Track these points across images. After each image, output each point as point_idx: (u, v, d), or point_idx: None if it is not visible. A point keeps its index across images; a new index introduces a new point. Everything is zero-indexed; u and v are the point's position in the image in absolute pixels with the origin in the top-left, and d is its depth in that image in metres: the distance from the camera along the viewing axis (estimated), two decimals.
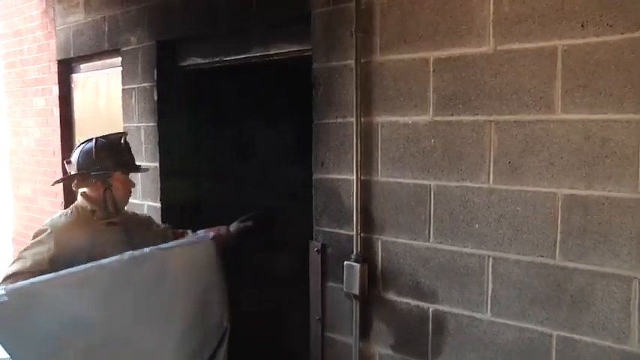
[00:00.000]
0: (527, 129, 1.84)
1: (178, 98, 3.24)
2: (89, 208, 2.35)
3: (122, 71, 3.44)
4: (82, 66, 4.07)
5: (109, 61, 3.70)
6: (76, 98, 4.15)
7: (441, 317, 2.06)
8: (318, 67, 2.38)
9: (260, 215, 2.68)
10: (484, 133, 1.93)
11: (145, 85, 3.27)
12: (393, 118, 2.16)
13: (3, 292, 1.83)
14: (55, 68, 4.20)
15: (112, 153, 2.36)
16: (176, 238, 2.55)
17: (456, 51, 1.98)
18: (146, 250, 2.08)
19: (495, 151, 1.91)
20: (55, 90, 4.22)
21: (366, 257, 2.25)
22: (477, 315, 1.98)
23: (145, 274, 2.02)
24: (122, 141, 2.43)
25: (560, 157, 1.78)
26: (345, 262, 2.28)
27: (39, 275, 2.05)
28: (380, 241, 2.23)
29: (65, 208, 4.11)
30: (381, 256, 2.23)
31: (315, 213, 2.44)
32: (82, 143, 2.41)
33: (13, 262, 2.16)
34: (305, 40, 2.47)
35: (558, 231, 1.79)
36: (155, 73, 3.18)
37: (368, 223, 2.25)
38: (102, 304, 1.96)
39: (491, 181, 1.93)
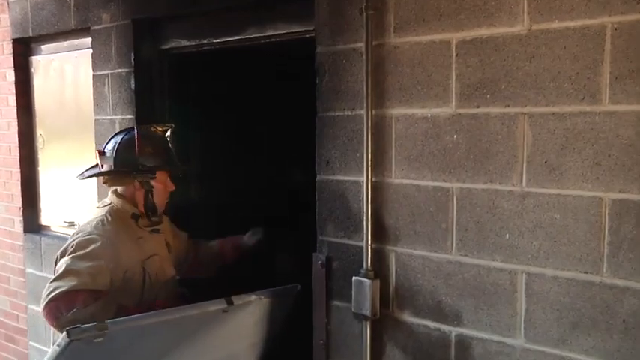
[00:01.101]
0: (568, 122, 1.81)
1: (160, 87, 3.21)
2: (130, 212, 2.26)
3: (93, 54, 3.41)
4: (43, 47, 4.02)
5: (76, 41, 3.67)
6: (36, 85, 4.10)
7: (466, 343, 2.04)
8: (323, 51, 2.36)
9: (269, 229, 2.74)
10: (516, 127, 1.91)
11: (120, 70, 3.24)
12: (410, 111, 2.15)
13: (107, 329, 1.80)
14: (9, 49, 4.13)
15: (158, 149, 2.28)
16: (194, 249, 2.62)
17: (484, 32, 1.96)
18: (243, 296, 2.13)
19: (529, 148, 1.89)
20: (11, 75, 4.16)
21: (378, 272, 2.24)
22: (509, 341, 1.95)
23: (237, 319, 2.11)
24: (168, 135, 2.34)
25: (607, 155, 1.76)
26: (354, 278, 2.26)
27: (101, 294, 2.03)
28: (394, 253, 2.21)
29: (25, 213, 4.14)
30: (396, 271, 2.21)
31: (319, 220, 2.42)
32: (119, 133, 2.32)
33: (64, 276, 2.05)
34: (307, 19, 2.45)
35: (605, 242, 1.76)
36: (132, 56, 3.16)
37: (380, 232, 2.23)
38: (185, 345, 2.04)
39: (524, 184, 1.91)
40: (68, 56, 3.80)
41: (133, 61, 3.17)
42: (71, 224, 3.79)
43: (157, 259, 2.27)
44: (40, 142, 4.11)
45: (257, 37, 2.74)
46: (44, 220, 4.14)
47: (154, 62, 3.19)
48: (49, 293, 2.03)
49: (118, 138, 2.30)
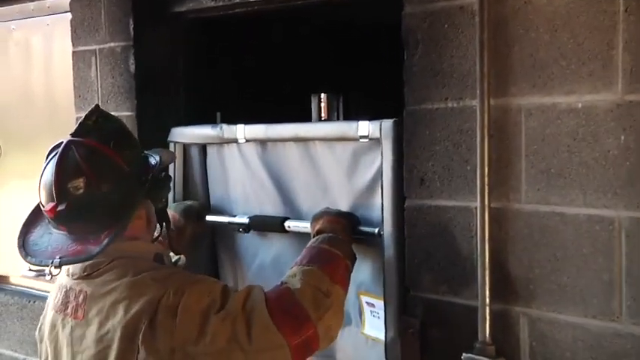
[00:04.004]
0: None
1: (173, 69, 3.29)
2: (152, 253, 2.32)
3: (72, 21, 3.51)
4: None
5: (48, 2, 3.78)
6: None
7: None
8: (414, 11, 2.39)
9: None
10: None
11: (113, 45, 3.33)
12: (549, 100, 2.14)
13: None
14: None
15: (133, 140, 2.33)
16: None
17: None
18: None
19: None
20: None
21: (503, 347, 2.23)
22: None
23: None
24: (114, 119, 2.35)
25: None
26: (465, 355, 2.26)
27: None
28: (527, 319, 2.20)
29: None
30: (530, 346, 2.19)
31: (409, 266, 2.44)
32: (51, 156, 2.19)
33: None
34: None
35: None
36: (131, 24, 3.24)
37: (504, 285, 2.23)
38: None
39: None
40: (36, 24, 3.90)
41: (132, 30, 3.24)
42: (40, 273, 3.86)
43: None
44: None
45: None
46: (0, 267, 4.26)
47: (163, 32, 3.27)
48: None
49: (55, 165, 2.15)
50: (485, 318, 2.23)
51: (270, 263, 2.95)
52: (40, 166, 2.20)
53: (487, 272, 2.22)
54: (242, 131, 2.92)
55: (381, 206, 2.51)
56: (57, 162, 2.14)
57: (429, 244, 2.39)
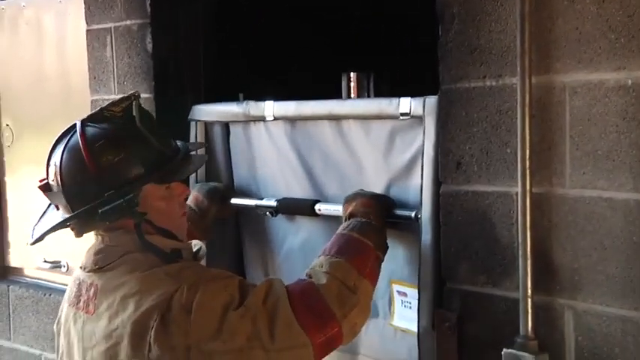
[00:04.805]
0: None
1: (195, 50, 3.30)
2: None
3: None
4: None
5: None
6: None
7: None
8: None
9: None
10: None
11: (129, 23, 3.35)
12: (596, 77, 2.12)
13: None
14: None
15: (127, 147, 2.26)
16: None
17: None
18: None
19: None
20: None
21: (546, 341, 2.22)
22: None
23: None
24: (136, 113, 2.29)
25: None
26: (505, 351, 2.25)
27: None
28: (572, 312, 2.19)
29: None
30: (576, 340, 2.19)
31: (445, 256, 2.44)
32: (60, 139, 2.29)
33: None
34: None
35: None
36: (148, 0, 3.25)
37: (547, 276, 2.22)
38: None
39: None
40: (48, 1, 3.94)
41: (149, 7, 3.25)
42: (56, 265, 3.90)
43: None
44: (6, 137, 4.29)
45: None
46: (13, 259, 4.31)
47: (182, 10, 3.28)
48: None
49: (59, 150, 2.25)
50: (527, 311, 2.22)
51: (299, 249, 2.97)
52: None
53: (529, 262, 2.21)
54: (271, 108, 2.93)
55: (420, 188, 2.51)
56: (54, 142, 2.27)
57: (466, 232, 2.39)
